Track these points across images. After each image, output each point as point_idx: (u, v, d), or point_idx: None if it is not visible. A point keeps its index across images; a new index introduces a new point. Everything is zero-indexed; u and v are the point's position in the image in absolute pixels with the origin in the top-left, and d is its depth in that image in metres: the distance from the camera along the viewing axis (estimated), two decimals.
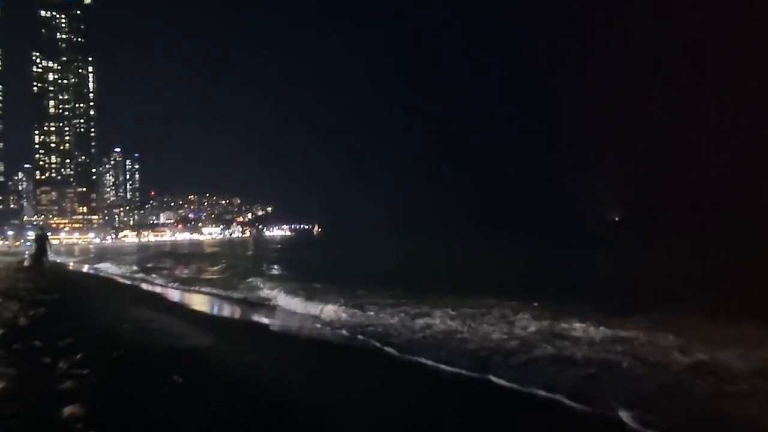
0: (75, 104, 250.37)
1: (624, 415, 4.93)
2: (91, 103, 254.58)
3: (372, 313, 10.62)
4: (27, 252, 37.56)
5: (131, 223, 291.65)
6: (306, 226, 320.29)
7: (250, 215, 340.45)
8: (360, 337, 8.91)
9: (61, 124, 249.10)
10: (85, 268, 33.93)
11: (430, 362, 7.00)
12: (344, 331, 9.36)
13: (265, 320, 11.42)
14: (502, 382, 6.10)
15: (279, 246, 76.61)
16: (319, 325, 10.20)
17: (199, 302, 14.82)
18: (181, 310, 12.81)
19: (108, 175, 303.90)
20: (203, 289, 18.27)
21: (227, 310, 13.13)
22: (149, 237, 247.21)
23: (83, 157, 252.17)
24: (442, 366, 6.82)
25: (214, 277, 22.70)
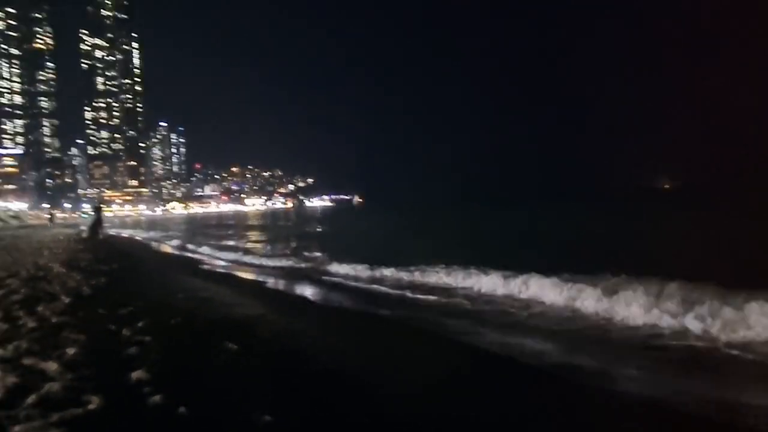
0: (122, 80, 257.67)
1: None
2: (137, 79, 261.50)
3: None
4: (84, 225, 39.50)
5: (178, 195, 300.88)
6: (346, 197, 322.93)
7: (291, 186, 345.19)
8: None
9: (109, 100, 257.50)
10: (139, 238, 35.40)
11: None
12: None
13: (311, 290, 11.70)
14: None
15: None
16: (368, 291, 10.40)
17: (246, 272, 15.28)
18: (230, 280, 13.25)
19: (155, 149, 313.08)
20: (250, 260, 18.82)
21: (274, 280, 13.49)
22: (195, 208, 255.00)
23: (131, 132, 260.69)
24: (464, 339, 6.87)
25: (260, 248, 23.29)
